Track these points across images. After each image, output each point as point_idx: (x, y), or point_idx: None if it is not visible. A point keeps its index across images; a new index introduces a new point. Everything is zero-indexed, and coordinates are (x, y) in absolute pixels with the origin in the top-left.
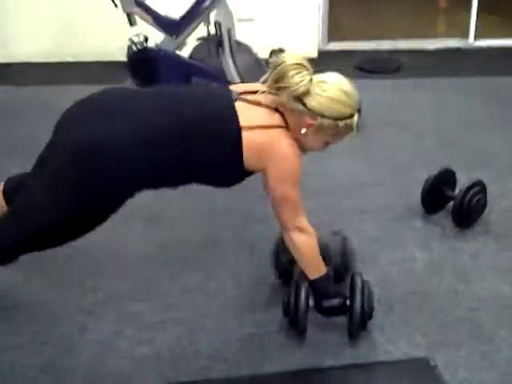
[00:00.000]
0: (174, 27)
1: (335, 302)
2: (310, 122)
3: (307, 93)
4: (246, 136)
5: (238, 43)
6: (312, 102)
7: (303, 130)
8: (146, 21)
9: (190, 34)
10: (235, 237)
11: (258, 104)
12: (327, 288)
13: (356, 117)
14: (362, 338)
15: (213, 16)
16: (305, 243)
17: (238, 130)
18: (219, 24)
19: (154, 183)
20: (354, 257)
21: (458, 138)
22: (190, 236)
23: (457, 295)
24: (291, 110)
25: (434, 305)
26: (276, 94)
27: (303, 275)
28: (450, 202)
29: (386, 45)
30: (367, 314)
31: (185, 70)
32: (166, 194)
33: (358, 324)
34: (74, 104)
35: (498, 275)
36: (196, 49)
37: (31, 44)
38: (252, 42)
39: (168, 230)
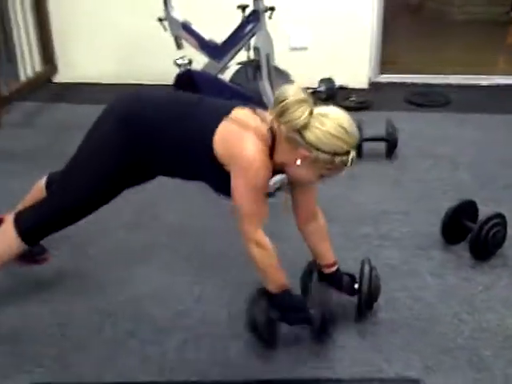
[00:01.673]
0: (217, 51)
1: (300, 315)
2: (306, 154)
3: (306, 126)
4: (223, 124)
5: (277, 69)
6: (310, 135)
7: (298, 162)
8: (191, 44)
9: (231, 59)
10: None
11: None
12: (286, 302)
13: (352, 154)
14: (360, 354)
15: (253, 41)
16: (261, 258)
17: (220, 121)
18: (258, 49)
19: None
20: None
21: (493, 174)
22: (211, 246)
23: (461, 323)
24: (288, 139)
25: (437, 331)
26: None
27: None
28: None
29: (438, 79)
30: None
31: (226, 93)
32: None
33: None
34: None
35: (507, 308)
36: (236, 73)
37: (96, 67)
38: (303, 70)
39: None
